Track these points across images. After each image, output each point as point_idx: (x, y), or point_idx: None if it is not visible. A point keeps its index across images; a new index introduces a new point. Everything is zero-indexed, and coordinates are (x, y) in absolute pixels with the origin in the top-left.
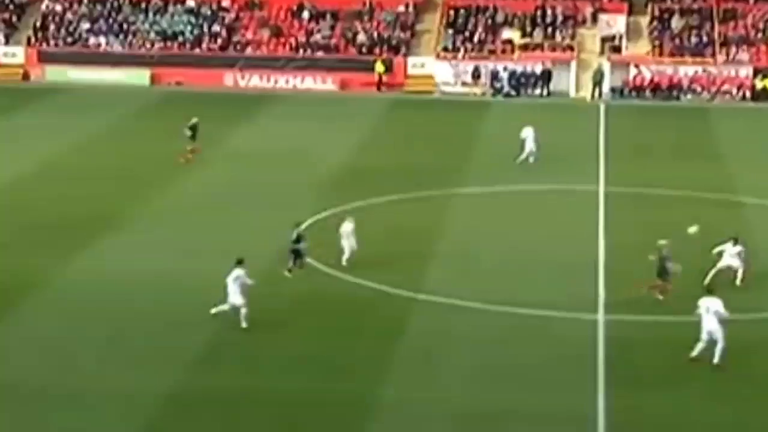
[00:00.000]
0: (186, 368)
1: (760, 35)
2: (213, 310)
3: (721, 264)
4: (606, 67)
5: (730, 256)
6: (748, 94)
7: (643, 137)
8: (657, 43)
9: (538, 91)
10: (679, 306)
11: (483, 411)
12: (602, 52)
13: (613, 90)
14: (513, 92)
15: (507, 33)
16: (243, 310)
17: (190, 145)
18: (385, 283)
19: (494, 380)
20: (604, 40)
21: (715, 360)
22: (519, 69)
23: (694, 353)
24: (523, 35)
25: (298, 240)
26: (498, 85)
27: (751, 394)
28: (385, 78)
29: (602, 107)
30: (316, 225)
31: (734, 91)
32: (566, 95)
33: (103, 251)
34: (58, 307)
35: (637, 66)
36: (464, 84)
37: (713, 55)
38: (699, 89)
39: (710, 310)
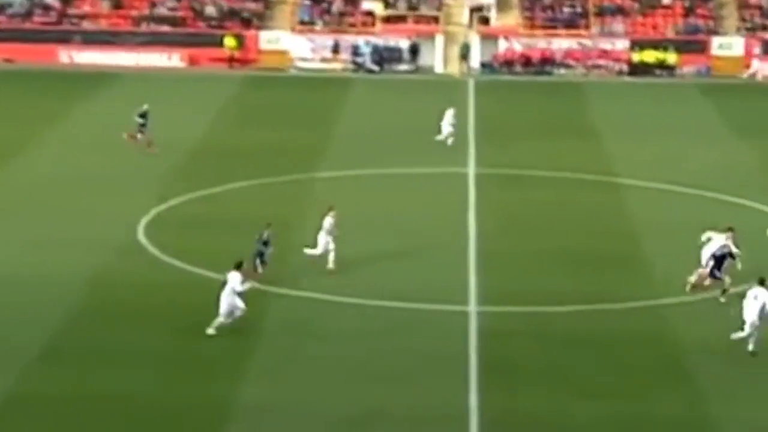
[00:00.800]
0: (26, 369)
1: (636, 5)
2: (209, 331)
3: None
4: (474, 40)
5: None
6: (624, 68)
7: (514, 115)
8: (528, 14)
9: (403, 67)
10: (555, 297)
11: (349, 413)
12: (470, 24)
13: (482, 65)
14: (376, 68)
15: (368, 4)
16: (237, 313)
17: (138, 132)
18: None
19: (361, 379)
20: (471, 10)
21: (750, 347)
22: (382, 43)
23: (735, 336)
24: (386, 6)
25: (266, 243)
26: (360, 60)
27: (628, 387)
28: (236, 54)
29: (471, 83)
30: (165, 213)
31: (610, 65)
32: (433, 71)
33: None
34: None
35: (507, 39)
36: (323, 60)
37: (587, 26)
38: (573, 63)
39: (758, 299)
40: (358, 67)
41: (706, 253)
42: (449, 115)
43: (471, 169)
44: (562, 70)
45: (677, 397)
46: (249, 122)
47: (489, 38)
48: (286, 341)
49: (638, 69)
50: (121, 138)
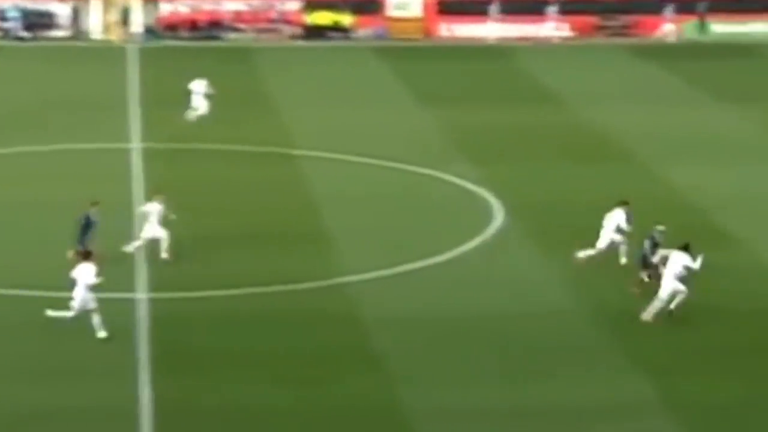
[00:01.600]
0: None
1: None
2: (50, 312)
3: (604, 241)
4: (135, 2)
5: (615, 228)
6: (298, 31)
7: (182, 84)
8: None
9: (58, 33)
10: (234, 279)
11: (9, 414)
12: None
13: (145, 30)
14: (26, 34)
15: None
16: (95, 317)
17: None
18: None
19: (22, 377)
20: None
21: (672, 306)
22: (32, 7)
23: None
24: None
25: (88, 222)
26: (7, 26)
27: (316, 372)
28: None
29: (133, 50)
30: None
31: (282, 28)
32: (91, 37)
33: None
34: None
35: (170, 1)
36: None
37: None
38: (243, 26)
39: (675, 263)
40: (5, 33)
41: (607, 233)
42: (199, 87)
43: (135, 144)
44: (232, 34)
45: (366, 380)
46: None
47: (152, 0)
48: None
49: (313, 32)
50: None
